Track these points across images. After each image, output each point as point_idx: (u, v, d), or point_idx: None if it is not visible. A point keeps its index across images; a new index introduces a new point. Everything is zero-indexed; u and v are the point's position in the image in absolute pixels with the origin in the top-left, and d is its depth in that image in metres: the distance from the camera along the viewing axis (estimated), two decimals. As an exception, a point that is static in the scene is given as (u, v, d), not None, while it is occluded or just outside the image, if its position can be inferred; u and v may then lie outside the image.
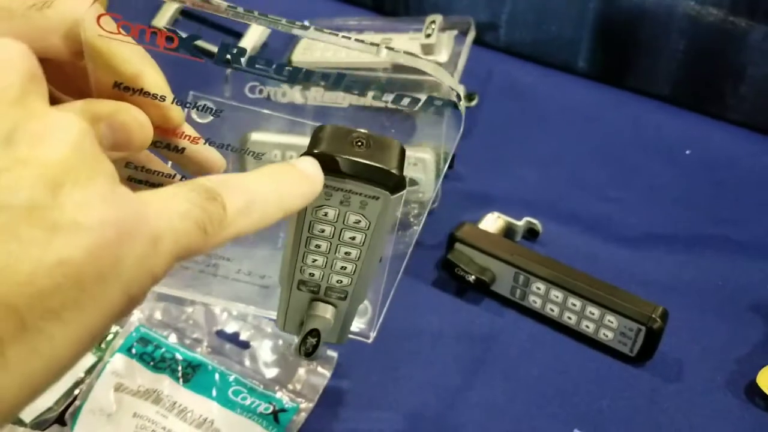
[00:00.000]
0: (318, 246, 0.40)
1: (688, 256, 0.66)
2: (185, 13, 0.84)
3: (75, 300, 0.23)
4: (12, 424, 0.51)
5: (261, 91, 0.69)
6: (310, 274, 0.42)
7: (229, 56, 0.34)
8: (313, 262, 0.41)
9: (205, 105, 0.38)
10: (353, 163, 0.36)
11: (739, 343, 0.60)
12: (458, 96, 0.37)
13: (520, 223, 0.66)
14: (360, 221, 0.39)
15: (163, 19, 0.81)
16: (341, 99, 0.70)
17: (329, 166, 0.36)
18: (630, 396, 0.57)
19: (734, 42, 0.75)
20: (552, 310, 0.60)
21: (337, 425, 0.56)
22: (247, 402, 0.55)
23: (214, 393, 0.55)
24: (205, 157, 0.39)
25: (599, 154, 0.74)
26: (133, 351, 0.57)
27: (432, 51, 0.72)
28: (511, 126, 0.77)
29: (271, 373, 0.58)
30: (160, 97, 0.34)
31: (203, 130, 0.39)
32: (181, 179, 0.39)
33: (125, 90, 0.33)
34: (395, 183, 0.37)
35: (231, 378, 0.56)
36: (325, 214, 0.39)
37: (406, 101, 0.36)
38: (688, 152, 0.74)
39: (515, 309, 0.62)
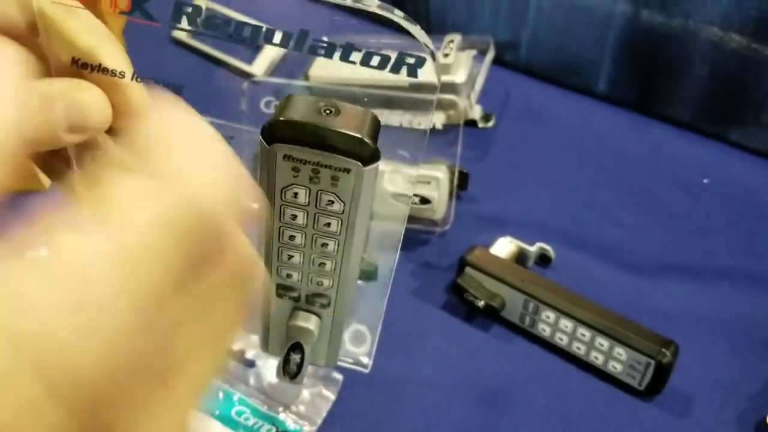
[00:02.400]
0: (292, 238, 0.38)
1: (701, 286, 0.65)
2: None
3: None
4: None
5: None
6: (287, 275, 0.40)
7: (185, 16, 0.31)
8: (289, 259, 0.39)
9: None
10: (320, 129, 0.33)
11: (751, 379, 0.59)
12: (432, 53, 0.35)
13: (533, 249, 0.65)
14: (333, 202, 0.36)
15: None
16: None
17: (295, 135, 0.34)
18: (637, 430, 0.57)
19: (757, 69, 0.74)
20: (561, 340, 0.60)
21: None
22: (250, 423, 0.55)
23: (217, 412, 0.55)
24: None
25: (615, 179, 0.73)
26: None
27: (450, 70, 0.71)
28: (527, 148, 0.76)
29: (275, 393, 0.57)
30: (120, 73, 0.32)
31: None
32: None
33: (83, 67, 0.31)
34: (367, 153, 0.34)
35: (235, 397, 0.56)
36: (295, 196, 0.36)
37: (375, 60, 0.32)
38: (705, 181, 0.73)
39: (524, 336, 0.62)
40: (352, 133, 0.33)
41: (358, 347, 0.48)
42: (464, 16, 0.86)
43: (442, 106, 0.71)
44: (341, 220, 0.37)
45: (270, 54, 0.81)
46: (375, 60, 0.32)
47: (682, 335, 0.59)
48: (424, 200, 0.64)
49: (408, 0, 0.89)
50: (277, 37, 0.32)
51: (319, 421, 0.56)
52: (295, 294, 0.41)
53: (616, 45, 0.80)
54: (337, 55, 0.32)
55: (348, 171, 0.34)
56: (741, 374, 0.60)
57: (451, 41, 0.73)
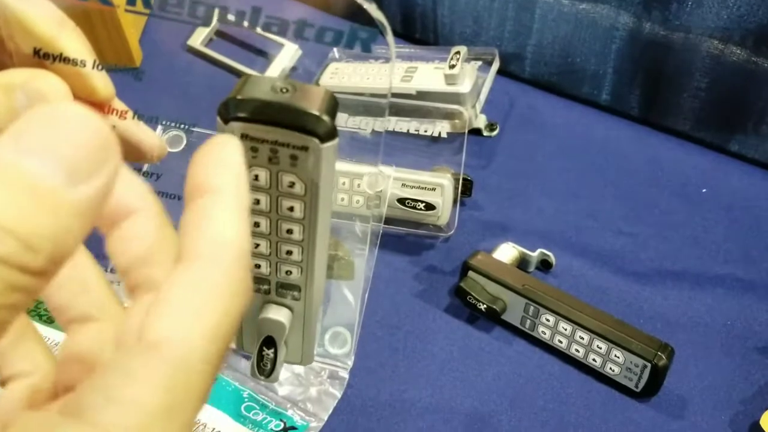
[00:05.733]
0: (257, 224, 0.38)
1: (698, 293, 0.67)
2: (219, 33, 0.87)
3: None
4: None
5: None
6: (256, 265, 0.40)
7: None
8: (256, 247, 0.39)
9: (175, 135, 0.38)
10: (276, 106, 0.33)
11: (745, 383, 0.61)
12: (382, 24, 0.35)
13: (534, 254, 0.67)
14: (294, 184, 0.36)
15: (198, 39, 0.84)
16: (364, 125, 0.72)
17: (251, 112, 0.33)
18: (633, 431, 0.59)
19: (757, 82, 0.76)
20: (560, 342, 0.62)
21: (345, 444, 0.57)
22: (259, 418, 0.57)
23: (227, 407, 0.57)
24: (140, 139, 0.37)
25: (616, 189, 0.75)
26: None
27: (455, 81, 0.74)
28: (530, 156, 0.78)
29: (284, 390, 0.59)
30: (81, 62, 0.32)
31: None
32: None
33: (45, 57, 0.32)
34: (324, 129, 0.33)
35: (245, 394, 0.58)
36: (256, 178, 0.36)
37: (329, 36, 0.33)
38: (704, 190, 0.75)
39: (525, 339, 0.64)
40: (308, 109, 0.33)
41: (339, 349, 0.49)
42: (471, 29, 0.88)
43: (447, 115, 0.73)
44: (304, 203, 0.36)
45: (282, 63, 0.83)
46: (329, 36, 0.33)
47: (679, 339, 0.61)
48: (429, 206, 0.66)
49: (417, 13, 0.91)
50: (231, 15, 0.32)
51: (326, 418, 0.58)
52: (265, 286, 0.41)
53: (618, 57, 0.82)
54: (290, 31, 0.32)
55: (306, 149, 0.34)
56: (735, 378, 0.61)
57: (457, 52, 0.75)
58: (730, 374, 0.62)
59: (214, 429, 0.55)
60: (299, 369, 0.60)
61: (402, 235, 0.70)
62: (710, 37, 0.76)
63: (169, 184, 0.43)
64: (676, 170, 0.77)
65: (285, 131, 0.33)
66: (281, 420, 0.57)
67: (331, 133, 0.34)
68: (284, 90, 0.33)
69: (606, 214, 0.73)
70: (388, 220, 0.69)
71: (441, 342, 0.64)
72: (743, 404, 0.60)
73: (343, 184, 0.65)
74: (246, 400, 0.58)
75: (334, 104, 0.34)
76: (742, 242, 0.71)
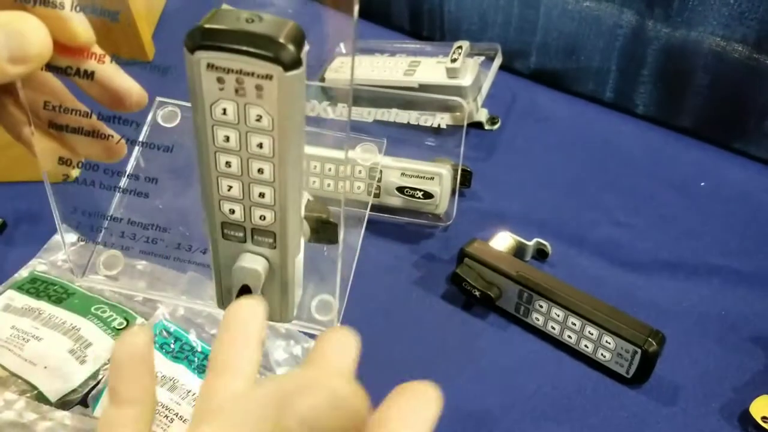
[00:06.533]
0: (228, 164, 0.38)
1: (693, 283, 0.67)
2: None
3: None
4: (37, 402, 0.55)
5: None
6: (230, 210, 0.40)
7: None
8: (229, 190, 0.39)
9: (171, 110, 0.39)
10: (239, 34, 0.33)
11: (737, 371, 0.62)
12: None
13: (530, 243, 0.68)
14: (261, 117, 0.36)
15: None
16: (366, 114, 0.73)
17: (216, 41, 0.33)
18: (624, 416, 0.59)
19: (759, 79, 0.77)
20: (553, 328, 0.62)
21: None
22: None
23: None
24: (117, 84, 0.38)
25: (615, 181, 0.76)
26: (156, 342, 0.60)
27: (457, 74, 0.75)
28: (531, 149, 0.79)
29: (280, 371, 0.61)
30: (60, 4, 0.33)
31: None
32: (97, 117, 0.39)
33: (26, 1, 0.33)
34: (288, 57, 0.33)
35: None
36: (224, 112, 0.36)
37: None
38: (702, 184, 0.76)
39: (519, 325, 0.65)
40: (271, 36, 0.33)
41: (325, 316, 0.50)
42: (477, 26, 0.90)
43: (448, 107, 0.74)
44: (272, 138, 0.37)
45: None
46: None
47: (673, 328, 0.62)
48: (428, 195, 0.68)
49: (424, 10, 0.93)
50: None
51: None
52: (240, 234, 0.41)
53: (622, 54, 0.82)
54: None
55: (270, 77, 0.34)
56: (727, 367, 0.62)
57: (459, 47, 0.76)
58: (723, 363, 0.62)
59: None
60: (297, 350, 0.62)
61: (402, 224, 0.71)
62: (712, 34, 0.76)
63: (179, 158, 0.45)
64: (676, 164, 0.78)
65: (249, 59, 0.33)
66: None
67: (296, 62, 0.34)
68: (250, 20, 0.33)
69: (604, 206, 0.74)
70: (388, 209, 0.70)
71: (436, 328, 0.65)
72: (735, 392, 0.60)
73: (329, 170, 0.66)
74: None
75: (299, 35, 0.34)
76: (738, 234, 0.71)
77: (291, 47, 0.33)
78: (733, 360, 0.62)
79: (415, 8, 0.94)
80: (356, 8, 0.35)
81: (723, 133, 0.81)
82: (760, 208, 0.73)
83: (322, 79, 0.82)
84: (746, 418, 0.58)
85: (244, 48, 0.33)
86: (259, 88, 0.34)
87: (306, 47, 0.34)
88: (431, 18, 0.93)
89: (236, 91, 0.35)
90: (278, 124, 0.36)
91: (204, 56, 0.34)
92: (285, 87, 0.34)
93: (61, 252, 0.67)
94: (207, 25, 0.33)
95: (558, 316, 0.61)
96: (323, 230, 0.45)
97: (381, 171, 0.67)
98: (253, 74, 0.34)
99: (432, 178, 0.68)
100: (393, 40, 0.88)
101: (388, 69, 0.79)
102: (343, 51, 0.86)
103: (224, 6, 0.34)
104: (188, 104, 0.36)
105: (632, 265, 0.69)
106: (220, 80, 0.34)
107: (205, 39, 0.33)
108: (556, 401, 0.60)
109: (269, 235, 0.41)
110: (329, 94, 0.78)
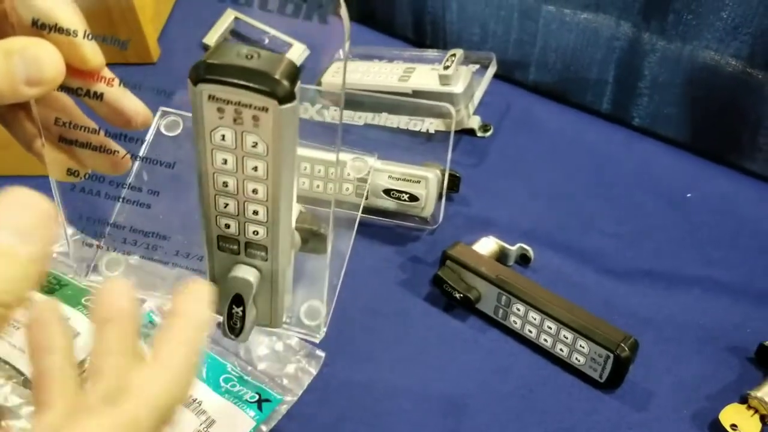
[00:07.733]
0: (225, 184, 0.41)
1: (674, 292, 0.68)
2: (234, 33, 0.91)
3: None
4: (23, 387, 0.57)
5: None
6: (226, 225, 0.43)
7: None
8: (225, 207, 0.42)
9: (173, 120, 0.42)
10: (239, 69, 0.36)
11: (711, 380, 0.62)
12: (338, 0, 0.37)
13: (513, 248, 0.69)
14: (257, 144, 0.39)
15: (213, 37, 0.88)
16: (357, 118, 0.75)
17: (217, 75, 0.36)
18: (596, 420, 0.60)
19: (752, 93, 0.77)
20: (530, 332, 0.64)
21: (317, 417, 0.60)
22: (236, 389, 0.60)
23: (205, 377, 0.60)
24: (124, 105, 0.41)
25: (603, 191, 0.77)
26: (141, 335, 0.62)
27: (449, 81, 0.76)
28: (521, 157, 0.81)
29: (262, 365, 0.63)
30: (73, 32, 0.36)
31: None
32: (104, 133, 0.42)
33: (42, 28, 0.36)
34: (282, 92, 0.36)
35: (224, 366, 0.61)
36: (223, 138, 0.39)
37: (290, 8, 0.37)
38: (689, 195, 0.76)
39: (498, 328, 0.66)
40: (268, 72, 0.36)
41: (313, 321, 0.52)
42: (478, 36, 0.91)
43: (438, 113, 0.76)
44: (266, 163, 0.40)
45: (292, 58, 0.87)
46: (290, 8, 0.37)
47: (649, 336, 0.63)
48: (413, 197, 0.69)
49: (427, 21, 0.94)
50: None
51: (300, 393, 0.61)
52: (234, 246, 0.44)
53: (619, 66, 0.83)
54: (256, 3, 0.38)
55: (266, 110, 0.37)
56: (702, 376, 0.63)
57: (453, 55, 0.77)
58: (699, 371, 0.63)
59: (190, 396, 0.59)
60: (278, 346, 0.63)
61: (390, 227, 0.73)
62: (706, 48, 0.77)
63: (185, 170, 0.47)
64: (665, 176, 0.79)
65: (247, 93, 0.37)
66: (257, 392, 0.60)
67: (289, 96, 0.37)
68: (249, 56, 0.36)
69: (590, 214, 0.75)
70: (375, 211, 0.71)
71: (418, 329, 0.66)
72: (708, 401, 0.61)
73: (319, 171, 0.68)
74: (224, 372, 0.61)
75: (293, 70, 0.37)
76: (722, 245, 0.72)
77: (285, 83, 0.36)
78: (708, 369, 0.63)
79: (418, 18, 0.95)
80: (346, 15, 0.38)
81: (717, 146, 0.82)
82: (746, 221, 0.74)
83: (319, 83, 0.84)
84: (717, 426, 0.59)
85: (243, 82, 0.36)
86: (255, 118, 0.38)
87: (299, 82, 0.37)
88: (434, 28, 0.95)
89: (235, 120, 0.38)
90: (272, 150, 0.39)
91: (206, 88, 0.37)
92: (279, 118, 0.37)
93: (57, 245, 0.69)
94: (209, 60, 0.36)
95: (535, 319, 0.62)
96: (313, 241, 0.48)
97: (369, 173, 0.69)
98: (250, 106, 0.37)
99: (418, 182, 0.69)
100: (393, 48, 0.90)
101: (384, 75, 0.81)
102: (341, 57, 0.87)
103: (226, 41, 0.37)
104: (190, 114, 0.39)
105: (614, 273, 0.70)
106: (220, 110, 0.38)
107: (207, 73, 0.37)
108: (531, 404, 0.61)
109: (261, 248, 0.44)
110: (325, 98, 0.80)
